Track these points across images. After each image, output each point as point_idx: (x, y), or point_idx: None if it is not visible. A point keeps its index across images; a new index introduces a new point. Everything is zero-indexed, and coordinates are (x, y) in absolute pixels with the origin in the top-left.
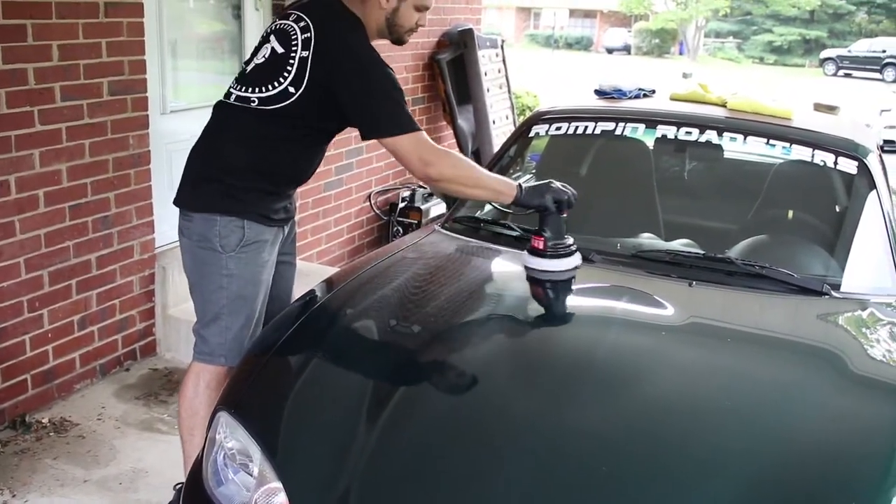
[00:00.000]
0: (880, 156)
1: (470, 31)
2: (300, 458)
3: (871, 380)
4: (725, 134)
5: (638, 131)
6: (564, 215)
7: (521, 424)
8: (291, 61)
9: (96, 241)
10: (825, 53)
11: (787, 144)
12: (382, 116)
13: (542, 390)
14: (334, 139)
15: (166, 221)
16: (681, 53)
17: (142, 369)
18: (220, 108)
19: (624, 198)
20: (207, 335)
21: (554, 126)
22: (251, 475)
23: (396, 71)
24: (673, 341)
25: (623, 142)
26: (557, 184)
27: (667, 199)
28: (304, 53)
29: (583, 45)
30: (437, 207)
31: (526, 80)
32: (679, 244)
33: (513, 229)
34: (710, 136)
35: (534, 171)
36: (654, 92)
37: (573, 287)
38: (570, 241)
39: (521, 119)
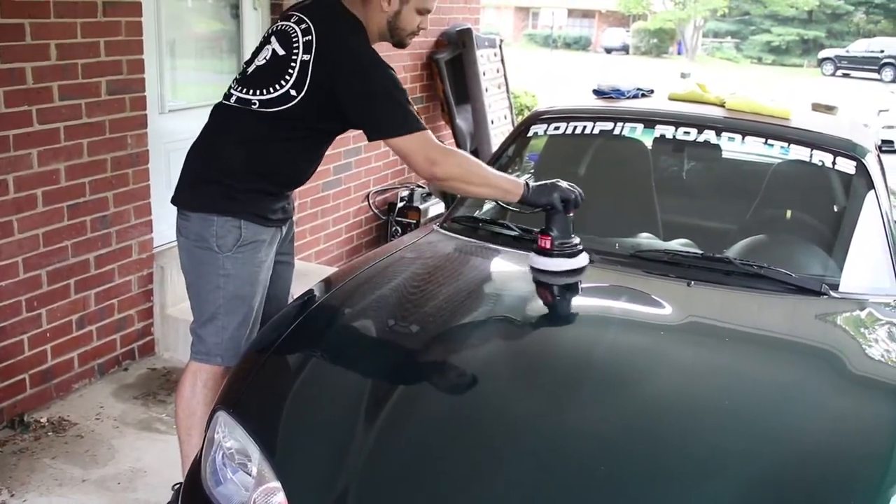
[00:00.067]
0: (878, 156)
1: (468, 31)
2: (299, 457)
3: (869, 380)
4: (724, 134)
5: (636, 131)
6: (571, 214)
7: (521, 424)
8: (293, 64)
9: (94, 240)
10: (823, 53)
11: (786, 144)
12: (385, 117)
13: (541, 390)
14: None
15: (164, 221)
16: (679, 53)
17: (140, 369)
18: (219, 109)
19: (622, 198)
20: (204, 335)
21: (552, 126)
22: (250, 475)
23: (395, 71)
24: (672, 341)
25: (621, 142)
26: (564, 183)
27: (665, 199)
28: (306, 57)
29: (581, 44)
30: (436, 207)
31: (524, 79)
32: (677, 244)
33: (511, 229)
34: (709, 135)
35: (532, 170)
36: (652, 92)
37: (571, 287)
38: (577, 240)
39: (520, 119)
